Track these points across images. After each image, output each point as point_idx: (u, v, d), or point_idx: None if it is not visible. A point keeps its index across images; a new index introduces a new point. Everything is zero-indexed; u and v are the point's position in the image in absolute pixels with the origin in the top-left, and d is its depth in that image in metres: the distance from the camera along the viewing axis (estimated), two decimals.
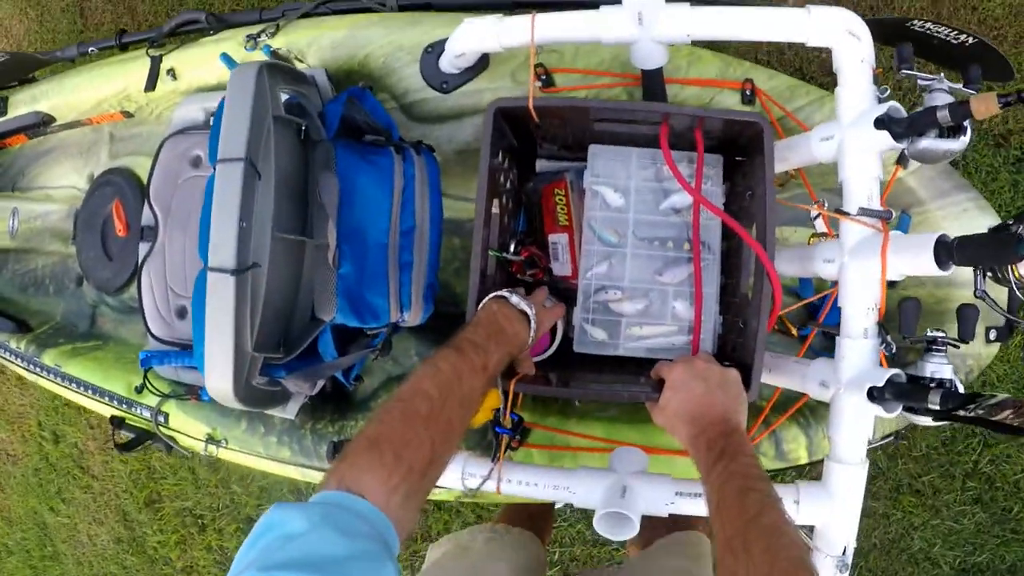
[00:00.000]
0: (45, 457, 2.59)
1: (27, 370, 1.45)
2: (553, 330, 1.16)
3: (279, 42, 1.24)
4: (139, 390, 1.29)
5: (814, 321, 1.22)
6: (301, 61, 1.23)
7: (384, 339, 1.15)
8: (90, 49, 1.46)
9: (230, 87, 0.96)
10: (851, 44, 0.98)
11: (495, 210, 1.12)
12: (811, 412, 1.18)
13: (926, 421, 0.93)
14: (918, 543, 1.90)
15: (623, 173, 1.16)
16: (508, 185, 1.17)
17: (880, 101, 0.96)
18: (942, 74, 0.97)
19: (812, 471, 1.68)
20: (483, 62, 1.19)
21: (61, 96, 1.46)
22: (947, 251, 0.85)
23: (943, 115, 0.88)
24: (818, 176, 1.22)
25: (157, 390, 1.29)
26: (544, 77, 1.18)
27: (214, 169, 0.96)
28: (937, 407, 0.84)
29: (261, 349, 1.03)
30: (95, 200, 1.39)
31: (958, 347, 0.96)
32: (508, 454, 1.19)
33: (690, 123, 1.07)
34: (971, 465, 1.85)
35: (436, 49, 1.19)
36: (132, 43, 1.40)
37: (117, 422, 1.36)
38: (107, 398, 1.34)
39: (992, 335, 1.15)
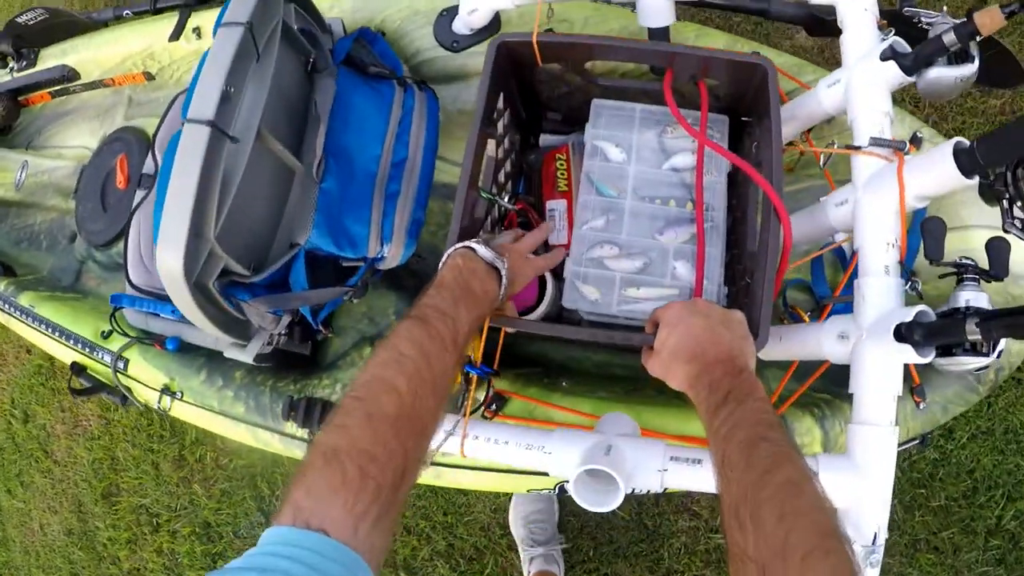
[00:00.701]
0: (12, 436, 2.43)
1: (1, 310, 1.37)
2: (542, 289, 1.05)
3: None
4: (106, 335, 1.23)
5: (828, 297, 1.09)
6: None
7: (360, 278, 1.05)
8: (125, 12, 1.51)
9: None
10: None
11: (490, 152, 1.06)
12: (826, 404, 1.03)
13: (968, 362, 0.78)
14: None
15: (626, 129, 1.10)
16: (506, 143, 1.12)
17: (884, 40, 0.92)
18: (944, 8, 0.93)
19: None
20: (494, 25, 1.20)
21: (89, 51, 1.48)
22: (969, 154, 0.76)
23: (949, 37, 0.85)
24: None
25: (123, 331, 1.20)
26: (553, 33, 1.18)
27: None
28: (977, 335, 0.69)
29: (226, 248, 0.94)
30: (102, 155, 1.37)
31: (990, 281, 0.83)
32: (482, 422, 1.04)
33: (694, 71, 1.03)
34: (994, 521, 1.60)
35: (451, 13, 1.21)
36: (167, 8, 1.44)
37: (78, 368, 1.26)
38: (72, 340, 1.25)
39: None
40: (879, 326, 0.81)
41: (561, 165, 1.16)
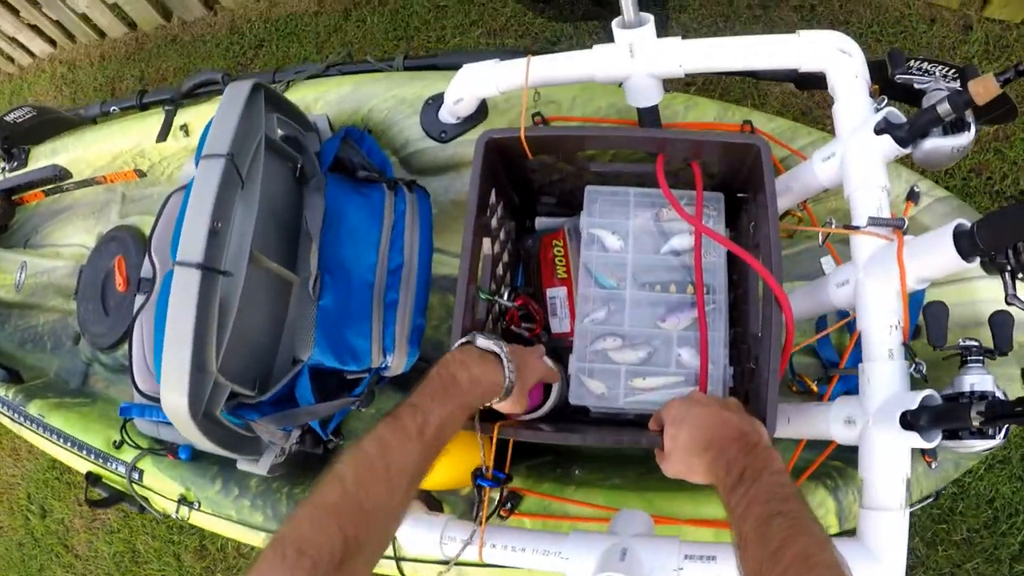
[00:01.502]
0: (31, 532, 2.40)
1: (11, 419, 1.35)
2: (547, 389, 1.02)
3: (288, 97, 1.24)
4: (118, 445, 1.21)
5: (834, 367, 1.06)
6: (309, 114, 1.22)
7: (366, 387, 1.03)
8: (112, 108, 1.48)
9: (224, 96, 0.94)
10: (843, 61, 0.93)
11: (486, 250, 1.03)
12: (839, 474, 1.00)
13: (975, 445, 0.76)
14: None
15: (621, 216, 1.07)
16: (502, 235, 1.10)
17: (877, 111, 0.89)
18: (937, 72, 0.90)
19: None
20: (482, 112, 1.17)
21: (79, 150, 1.46)
22: (969, 238, 0.73)
23: (943, 108, 0.81)
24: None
25: (135, 443, 1.18)
26: (542, 126, 1.14)
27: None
28: (984, 420, 0.66)
29: (229, 376, 0.93)
30: (100, 256, 1.35)
31: (995, 358, 0.81)
32: (498, 523, 1.02)
33: (687, 155, 1.00)
34: (1018, 547, 1.57)
35: (437, 101, 1.17)
36: (152, 103, 1.42)
37: (93, 479, 1.24)
38: (85, 451, 1.23)
39: None
40: (885, 412, 0.78)
41: (559, 252, 1.13)
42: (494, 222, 1.04)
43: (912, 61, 0.95)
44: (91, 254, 1.37)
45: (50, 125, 1.54)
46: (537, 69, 1.02)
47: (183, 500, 1.14)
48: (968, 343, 0.79)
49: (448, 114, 1.15)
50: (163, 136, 1.31)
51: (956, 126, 0.83)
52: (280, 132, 1.05)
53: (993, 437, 0.74)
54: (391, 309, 1.02)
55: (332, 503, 0.63)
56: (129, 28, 2.62)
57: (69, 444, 1.23)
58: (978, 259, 0.74)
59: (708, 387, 0.99)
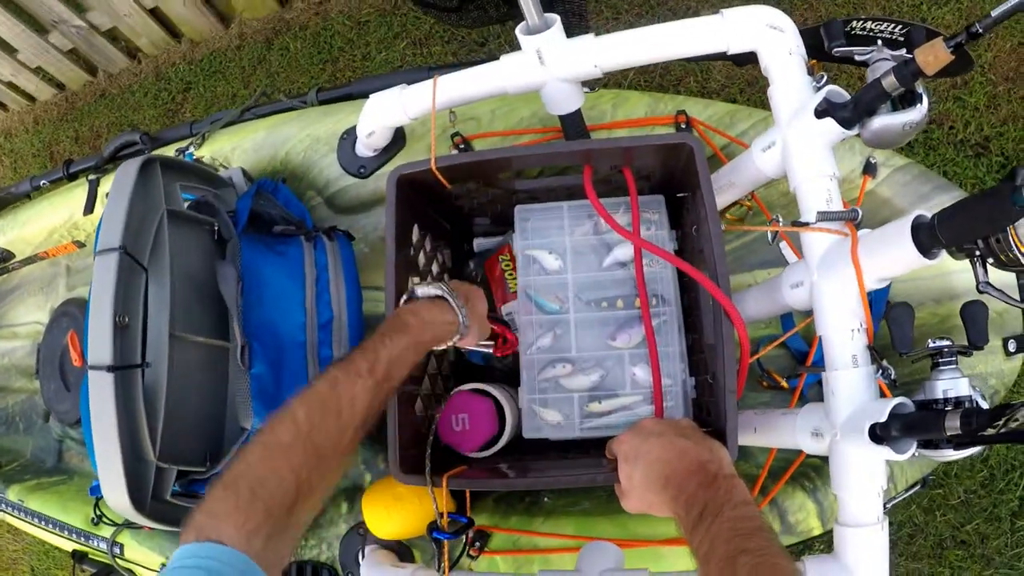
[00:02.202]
0: None
1: None
2: (502, 419, 0.94)
3: (205, 151, 1.15)
4: (95, 521, 1.15)
5: (802, 366, 0.96)
6: (225, 167, 1.13)
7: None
8: (42, 182, 1.41)
9: (114, 181, 0.86)
10: (774, 38, 0.81)
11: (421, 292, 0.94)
12: (816, 473, 0.92)
13: (952, 454, 0.66)
14: None
15: (557, 233, 0.97)
16: (435, 267, 1.00)
17: (817, 90, 0.77)
18: (879, 41, 0.77)
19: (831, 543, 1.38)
20: (399, 140, 1.06)
21: (15, 231, 1.40)
22: (929, 232, 0.63)
23: (889, 81, 0.69)
24: (780, 209, 1.01)
25: (110, 520, 1.13)
26: (462, 146, 1.04)
27: None
28: (958, 431, 0.57)
29: (173, 460, 0.87)
30: (53, 333, 1.28)
31: (970, 355, 0.70)
32: (468, 564, 0.95)
33: (616, 161, 0.89)
34: (1017, 503, 1.48)
35: (351, 135, 1.07)
36: (79, 171, 1.34)
37: (78, 556, 1.20)
38: (66, 531, 1.18)
39: (1012, 346, 0.88)
40: (852, 425, 0.69)
41: (507, 266, 1.03)
42: (421, 258, 0.95)
43: (855, 22, 0.83)
44: (45, 331, 1.31)
45: None
46: (444, 90, 0.92)
47: None
48: (939, 344, 0.68)
49: (364, 148, 1.05)
50: (89, 208, 1.23)
51: (906, 99, 0.71)
52: (192, 196, 0.96)
53: (970, 446, 0.65)
54: (326, 365, 0.94)
55: (286, 443, 0.59)
56: (58, 89, 2.52)
57: (50, 526, 1.19)
58: (942, 253, 0.63)
59: (668, 403, 0.90)
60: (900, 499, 0.92)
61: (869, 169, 0.96)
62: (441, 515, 0.84)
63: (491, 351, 0.96)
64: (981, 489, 1.47)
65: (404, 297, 0.80)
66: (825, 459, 0.91)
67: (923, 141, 1.56)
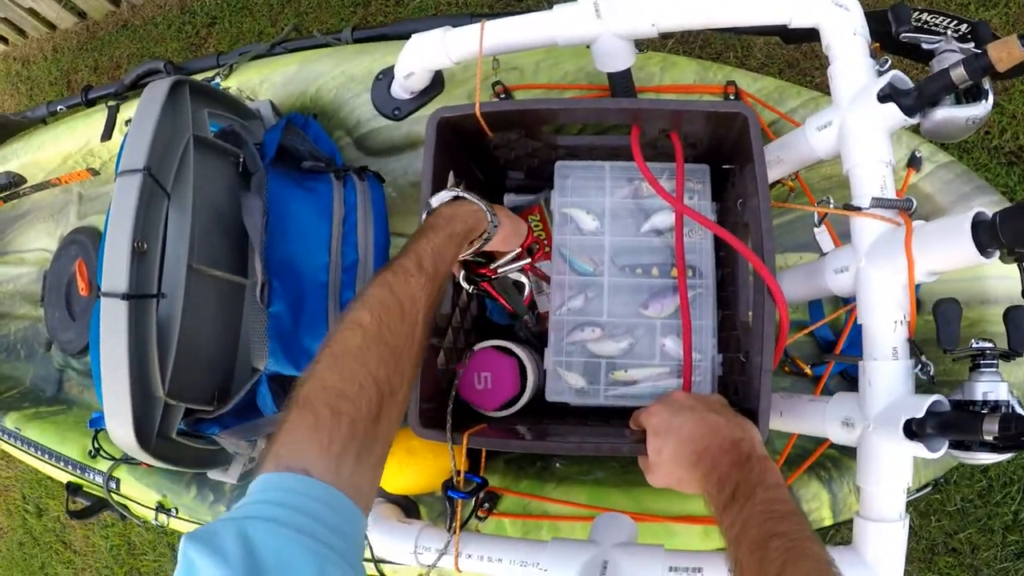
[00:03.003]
0: (29, 531, 2.37)
1: None
2: (523, 378, 0.90)
3: (232, 82, 1.09)
4: (92, 454, 1.12)
5: (830, 354, 0.93)
6: (252, 99, 1.07)
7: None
8: (59, 107, 1.35)
9: (141, 100, 0.80)
10: (840, 16, 0.77)
11: None
12: (833, 464, 0.89)
13: (983, 458, 0.65)
14: None
15: (597, 193, 0.93)
16: None
17: (880, 74, 0.73)
18: (948, 31, 0.73)
19: (838, 534, 1.36)
20: (437, 84, 1.01)
21: (29, 155, 1.34)
22: (989, 230, 0.59)
23: (958, 73, 0.66)
24: (820, 193, 0.97)
25: (108, 454, 1.10)
26: (503, 95, 0.99)
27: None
28: (996, 435, 0.56)
29: (182, 398, 0.83)
30: (61, 260, 1.23)
31: (1011, 359, 0.68)
32: (476, 524, 0.92)
33: (665, 125, 0.85)
34: (1011, 517, 1.47)
35: (387, 76, 1.02)
36: (99, 98, 1.27)
37: (73, 488, 1.16)
38: (62, 463, 1.15)
39: None
40: (887, 418, 0.66)
41: (537, 227, 0.99)
42: None
43: (915, 12, 0.79)
44: (53, 259, 1.26)
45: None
46: (492, 35, 0.87)
47: (160, 507, 1.06)
48: (983, 345, 0.65)
49: (400, 89, 0.99)
50: (107, 135, 1.18)
51: (971, 94, 0.68)
52: (216, 124, 0.91)
53: (1009, 451, 0.62)
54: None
55: (357, 347, 0.55)
56: (79, 18, 2.42)
57: (47, 456, 1.15)
58: (996, 253, 0.59)
59: (695, 377, 0.86)
60: (909, 499, 0.90)
61: (914, 162, 0.93)
62: (458, 473, 0.81)
63: (526, 264, 0.91)
64: (978, 499, 1.46)
65: (422, 214, 0.76)
66: (843, 451, 0.90)
67: (958, 144, 1.53)
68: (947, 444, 0.63)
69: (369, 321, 0.57)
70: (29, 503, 2.35)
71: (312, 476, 0.47)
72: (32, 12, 2.36)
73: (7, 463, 2.39)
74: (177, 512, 1.05)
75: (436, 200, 0.76)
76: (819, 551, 0.54)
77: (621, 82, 0.89)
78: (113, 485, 1.09)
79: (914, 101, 0.69)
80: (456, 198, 0.75)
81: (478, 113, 0.81)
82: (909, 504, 0.71)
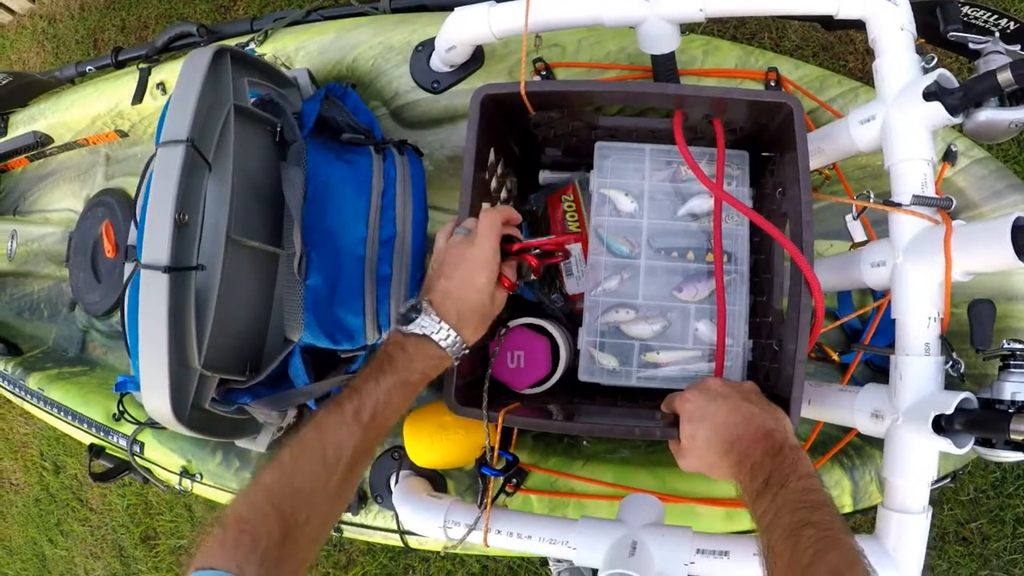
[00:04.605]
0: (46, 488, 2.41)
1: (12, 393, 1.29)
2: (556, 357, 0.92)
3: (267, 48, 1.09)
4: (116, 418, 1.14)
5: (858, 344, 0.95)
6: (288, 67, 1.06)
7: (373, 364, 0.93)
8: (88, 68, 1.34)
9: (182, 69, 0.79)
10: (887, 10, 0.77)
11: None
12: (856, 452, 0.92)
13: (1007, 456, 0.67)
14: None
15: (635, 175, 0.93)
16: (503, 193, 0.96)
17: (926, 71, 0.74)
18: (996, 33, 0.73)
19: (851, 519, 1.39)
20: (477, 58, 1.00)
21: (57, 115, 1.33)
22: None
23: (1005, 76, 0.66)
24: (854, 182, 0.98)
25: (133, 417, 1.11)
26: (544, 72, 0.99)
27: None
28: (1023, 437, 0.59)
29: (216, 368, 0.83)
30: (87, 222, 1.24)
31: None
32: (503, 500, 0.95)
33: (708, 111, 0.85)
34: (1023, 509, 1.51)
35: (427, 47, 1.01)
36: (128, 60, 1.27)
37: (96, 451, 1.18)
38: (85, 424, 1.17)
39: None
40: (916, 412, 0.69)
41: (569, 207, 1.00)
42: (493, 182, 0.91)
43: (966, 8, 0.79)
44: (79, 220, 1.26)
45: (26, 89, 1.40)
46: (538, 11, 0.86)
47: (185, 472, 1.09)
48: (1014, 346, 0.67)
49: (440, 62, 0.99)
50: (139, 98, 1.17)
51: (1015, 97, 0.69)
52: (257, 93, 0.90)
53: None
54: (384, 284, 0.91)
55: (267, 484, 0.63)
56: None
57: (69, 417, 1.17)
58: None
59: (727, 362, 0.88)
60: (932, 487, 0.92)
61: (949, 157, 0.94)
62: (492, 450, 0.83)
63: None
64: (991, 490, 1.50)
65: (393, 326, 0.77)
66: (866, 439, 0.92)
67: None
68: (973, 441, 0.65)
69: (287, 461, 0.64)
70: (47, 460, 2.38)
71: (217, 569, 0.55)
72: None
73: (26, 420, 2.43)
74: (202, 477, 1.08)
75: (406, 328, 0.72)
76: (850, 542, 0.56)
77: (665, 65, 0.89)
78: (137, 449, 1.11)
79: (959, 101, 0.70)
80: (423, 338, 0.71)
81: (523, 92, 0.81)
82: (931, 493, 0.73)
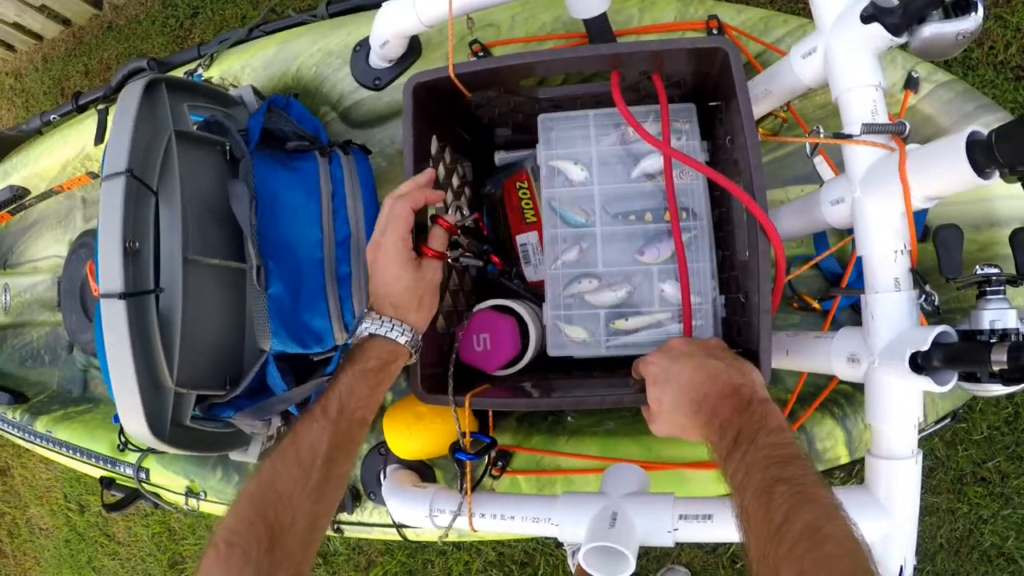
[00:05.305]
0: (73, 528, 2.46)
1: (23, 439, 1.32)
2: (525, 337, 0.90)
3: (214, 71, 1.09)
4: (121, 448, 1.15)
5: (836, 288, 0.91)
6: (235, 86, 1.07)
7: (337, 365, 0.93)
8: (52, 116, 1.36)
9: (117, 104, 0.81)
10: None
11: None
12: (846, 400, 0.88)
13: (995, 390, 0.62)
14: (989, 538, 1.48)
15: (583, 143, 0.91)
16: (455, 180, 0.95)
17: None
18: None
19: (856, 471, 1.35)
20: (414, 50, 0.99)
21: (28, 167, 1.36)
22: (985, 150, 0.56)
23: None
24: (817, 123, 0.92)
25: (135, 445, 1.13)
26: (481, 54, 0.96)
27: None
28: (1005, 365, 0.54)
29: (192, 385, 0.84)
30: (72, 264, 1.26)
31: (1019, 285, 0.65)
32: (491, 484, 0.93)
33: (645, 67, 0.82)
34: None
35: (364, 47, 1.00)
36: (88, 103, 1.29)
37: (107, 483, 1.19)
38: (93, 459, 1.19)
39: None
40: (892, 352, 0.65)
41: (524, 194, 0.98)
42: (441, 170, 0.90)
43: None
44: (64, 264, 1.28)
45: None
46: None
47: (189, 492, 1.09)
48: (988, 271, 0.63)
49: (378, 59, 0.98)
50: (100, 138, 1.18)
51: (960, 6, 0.64)
52: (201, 116, 0.91)
53: (1020, 381, 0.60)
54: (345, 283, 0.90)
55: (250, 493, 0.64)
56: (64, 25, 2.43)
57: (78, 455, 1.19)
58: (996, 174, 0.57)
59: (698, 321, 0.85)
60: (928, 432, 0.88)
61: (911, 84, 0.89)
62: (463, 435, 0.82)
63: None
64: (1005, 426, 1.42)
65: (351, 331, 0.78)
66: (856, 386, 0.89)
67: (962, 61, 1.46)
68: (956, 377, 0.60)
69: (266, 469, 0.65)
70: (71, 501, 2.44)
71: None
72: (17, 26, 2.37)
73: (46, 466, 2.48)
74: (206, 495, 1.08)
75: (355, 339, 0.76)
76: (825, 495, 0.53)
77: (598, 28, 0.86)
78: (143, 475, 1.12)
79: (899, 19, 0.65)
80: (371, 336, 0.74)
81: (452, 75, 0.79)
82: (934, 435, 0.69)
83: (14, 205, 1.41)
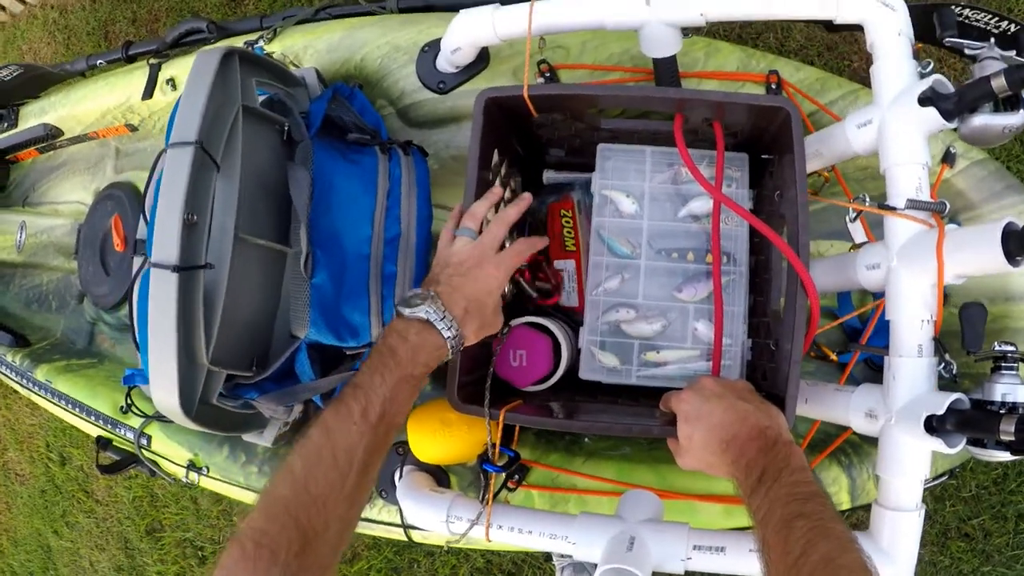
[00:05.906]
0: (51, 479, 2.46)
1: (20, 384, 1.34)
2: (557, 355, 0.96)
3: (275, 47, 1.13)
4: (124, 410, 1.18)
5: (856, 344, 0.98)
6: (296, 65, 1.10)
7: (376, 352, 0.97)
8: (98, 62, 1.38)
9: (191, 70, 0.83)
10: (885, 15, 0.80)
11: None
12: (853, 450, 0.96)
13: (999, 456, 0.71)
14: None
15: (637, 176, 0.97)
16: (507, 193, 1.00)
17: (922, 76, 0.78)
18: (992, 40, 0.77)
19: (853, 516, 1.43)
20: (483, 59, 1.04)
21: (67, 108, 1.38)
22: (1018, 241, 0.65)
23: (999, 82, 0.70)
24: (855, 183, 1.01)
25: (140, 410, 1.16)
26: (548, 74, 1.02)
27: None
28: (1012, 437, 0.62)
29: (223, 364, 0.88)
30: (97, 215, 1.28)
31: None
32: (505, 496, 0.99)
33: (708, 114, 0.88)
34: None
35: (433, 48, 1.05)
36: (139, 55, 1.31)
37: (103, 443, 1.22)
38: (93, 417, 1.21)
39: None
40: (909, 412, 0.73)
41: (567, 222, 1.04)
42: (497, 183, 0.95)
43: (957, 8, 0.82)
44: (88, 213, 1.30)
45: (37, 82, 1.44)
46: (541, 15, 0.90)
47: (192, 465, 1.13)
48: (1004, 348, 0.71)
49: (446, 63, 1.03)
50: (148, 93, 1.21)
51: (1009, 102, 0.72)
52: (265, 93, 0.94)
53: (1020, 452, 0.68)
54: (389, 282, 0.95)
55: (282, 495, 0.64)
56: None
57: (77, 409, 1.22)
58: None
59: (726, 361, 0.92)
60: (928, 486, 0.96)
61: (948, 158, 0.97)
62: (493, 446, 0.87)
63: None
64: (993, 486, 1.53)
65: (396, 308, 0.78)
66: (864, 438, 0.96)
67: None
68: (964, 440, 0.68)
69: (299, 469, 0.65)
70: (53, 451, 2.43)
71: None
72: None
73: (31, 410, 2.48)
74: (208, 471, 1.12)
75: (408, 311, 0.74)
76: (841, 529, 0.60)
77: (666, 68, 0.93)
78: (144, 442, 1.15)
79: (954, 106, 0.73)
80: (427, 323, 0.74)
81: (526, 95, 0.85)
82: (924, 490, 0.77)
83: (44, 144, 1.43)
